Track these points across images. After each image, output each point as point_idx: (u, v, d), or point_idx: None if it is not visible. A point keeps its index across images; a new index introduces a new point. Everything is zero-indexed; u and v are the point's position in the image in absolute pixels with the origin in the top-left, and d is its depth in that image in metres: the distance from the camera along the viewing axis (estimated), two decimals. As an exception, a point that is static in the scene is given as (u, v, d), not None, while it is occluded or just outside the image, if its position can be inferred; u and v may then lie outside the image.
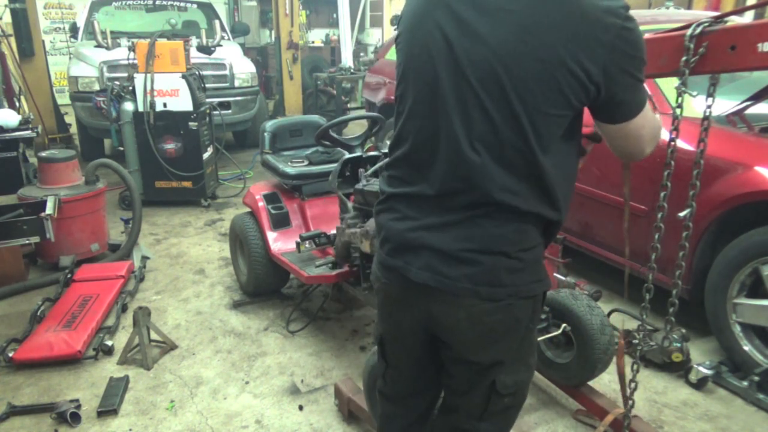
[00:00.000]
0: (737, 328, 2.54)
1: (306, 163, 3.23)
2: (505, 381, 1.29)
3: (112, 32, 5.89)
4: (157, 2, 7.43)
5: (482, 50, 1.12)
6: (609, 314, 2.96)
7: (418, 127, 1.23)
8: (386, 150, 2.64)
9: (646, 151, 1.27)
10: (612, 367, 2.62)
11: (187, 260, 4.02)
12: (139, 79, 4.78)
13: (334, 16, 10.88)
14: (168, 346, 2.88)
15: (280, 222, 3.17)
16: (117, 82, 4.99)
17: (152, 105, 4.78)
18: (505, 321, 1.22)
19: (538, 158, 1.13)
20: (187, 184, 5.03)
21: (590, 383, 2.34)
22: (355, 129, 7.03)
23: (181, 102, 4.84)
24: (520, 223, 1.17)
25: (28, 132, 3.96)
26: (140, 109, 4.82)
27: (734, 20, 1.73)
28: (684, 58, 1.40)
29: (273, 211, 3.18)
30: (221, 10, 9.46)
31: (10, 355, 2.69)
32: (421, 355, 1.40)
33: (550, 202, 1.18)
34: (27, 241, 3.20)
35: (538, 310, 1.28)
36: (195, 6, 7.65)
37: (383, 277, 1.33)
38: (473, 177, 1.15)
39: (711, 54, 1.38)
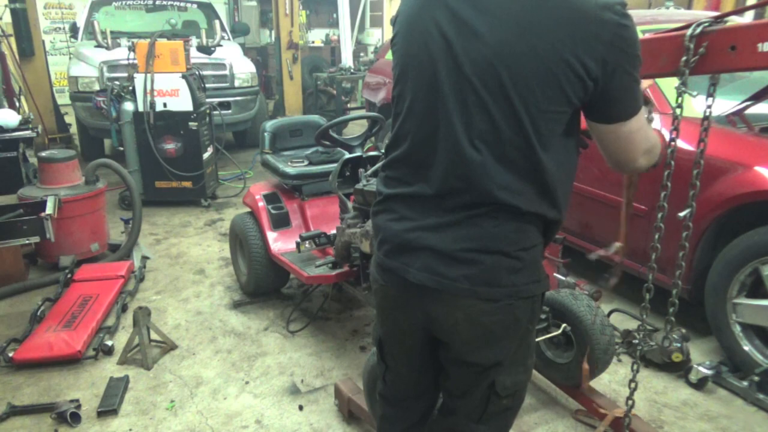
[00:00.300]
0: (737, 328, 2.54)
1: (306, 163, 3.23)
2: (504, 382, 1.28)
3: (112, 32, 5.89)
4: (157, 2, 7.43)
5: (482, 48, 1.12)
6: (609, 314, 2.96)
7: (417, 126, 1.22)
8: (386, 150, 2.64)
9: (638, 161, 1.24)
10: (612, 367, 2.63)
11: (187, 260, 4.02)
12: (139, 79, 4.78)
13: (334, 16, 10.88)
14: (168, 346, 2.88)
15: (280, 222, 3.17)
16: (117, 82, 4.99)
17: (152, 105, 4.78)
18: (504, 321, 1.22)
19: (539, 156, 1.13)
20: (187, 184, 5.03)
21: (590, 383, 2.34)
22: (355, 129, 7.03)
23: (181, 102, 4.84)
24: (520, 222, 1.17)
25: (28, 132, 3.95)
26: (140, 109, 4.82)
27: (734, 20, 1.73)
28: (684, 58, 1.40)
29: (273, 211, 3.18)
30: (221, 10, 9.45)
31: (10, 355, 2.69)
32: (421, 356, 1.39)
33: (550, 201, 1.18)
34: (27, 241, 3.19)
35: (537, 310, 1.28)
36: (195, 6, 7.65)
37: (381, 278, 1.32)
38: (473, 176, 1.15)
39: (711, 54, 1.37)
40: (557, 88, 1.10)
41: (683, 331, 2.64)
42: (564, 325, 2.26)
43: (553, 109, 1.12)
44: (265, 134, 3.47)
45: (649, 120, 1.58)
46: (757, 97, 2.71)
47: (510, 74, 1.10)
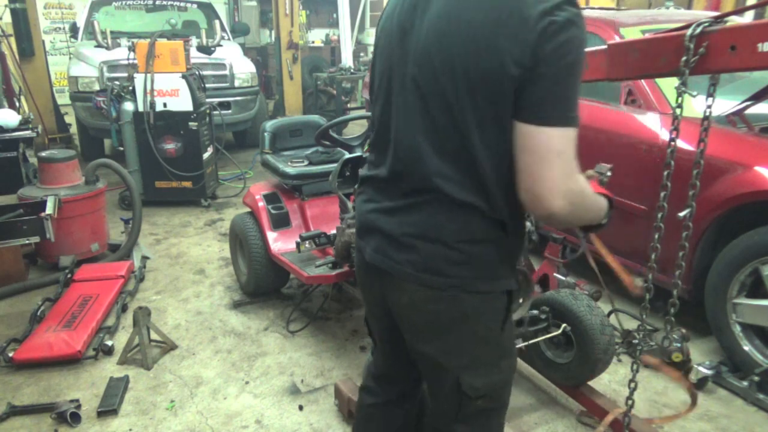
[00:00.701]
0: (737, 328, 2.54)
1: (306, 163, 3.23)
2: (472, 383, 1.26)
3: (112, 32, 5.89)
4: (157, 2, 7.43)
5: (424, 39, 1.16)
6: (609, 314, 2.96)
7: (379, 112, 1.29)
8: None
9: (554, 198, 1.05)
10: (612, 367, 2.63)
11: (187, 260, 4.02)
12: (139, 79, 4.78)
13: (334, 16, 10.86)
14: (168, 346, 2.88)
15: (280, 222, 3.17)
16: (117, 82, 4.99)
17: (152, 105, 4.78)
18: (449, 313, 1.21)
19: (471, 146, 1.11)
20: (187, 184, 5.03)
21: (590, 383, 2.34)
22: (355, 129, 7.03)
23: (181, 102, 4.84)
24: (458, 213, 1.16)
25: (28, 132, 3.96)
26: (140, 109, 4.82)
27: (734, 20, 1.73)
28: (684, 58, 1.40)
29: (273, 211, 3.18)
30: (221, 10, 9.45)
31: (10, 355, 2.69)
32: (390, 341, 1.45)
33: (485, 196, 1.14)
34: (27, 241, 3.20)
35: (501, 309, 1.24)
36: (195, 6, 7.65)
37: (356, 258, 1.40)
38: (412, 161, 1.19)
39: (711, 54, 1.37)
40: (483, 76, 1.08)
41: (683, 331, 2.64)
42: (564, 325, 2.25)
43: (480, 96, 1.09)
44: (265, 134, 3.47)
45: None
46: (757, 97, 2.71)
47: (442, 63, 1.12)
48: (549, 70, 1.03)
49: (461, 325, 1.22)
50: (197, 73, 5.11)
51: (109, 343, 2.84)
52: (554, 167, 1.05)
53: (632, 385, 1.70)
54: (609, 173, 1.62)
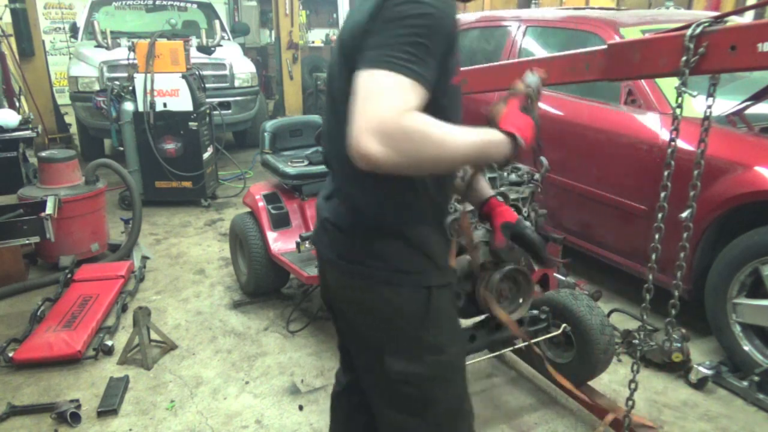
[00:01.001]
0: (737, 328, 2.54)
1: (306, 163, 3.23)
2: (391, 365, 1.24)
3: (112, 32, 5.90)
4: (157, 2, 7.43)
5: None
6: (609, 314, 2.96)
7: None
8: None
9: (361, 135, 0.96)
10: (612, 367, 2.63)
11: (187, 260, 4.02)
12: (139, 79, 4.78)
13: (334, 16, 10.87)
14: (168, 346, 2.88)
15: (280, 222, 3.17)
16: (117, 82, 4.99)
17: (152, 105, 4.78)
18: (365, 300, 1.24)
19: None
20: (187, 184, 5.03)
21: (590, 383, 2.34)
22: (355, 129, 7.02)
23: (181, 102, 4.84)
24: (362, 202, 1.22)
25: (28, 132, 3.96)
26: (140, 109, 4.82)
27: (734, 20, 1.73)
28: (684, 58, 1.40)
29: (273, 211, 3.18)
30: (221, 10, 9.45)
31: (10, 355, 2.69)
32: (339, 330, 1.50)
33: (379, 180, 1.08)
34: (27, 241, 3.19)
35: (419, 305, 1.21)
36: (195, 6, 7.65)
37: None
38: (329, 147, 1.30)
39: (711, 54, 1.37)
40: (348, 50, 1.14)
41: (683, 331, 2.64)
42: (564, 325, 2.25)
43: (351, 73, 1.09)
44: (265, 134, 3.47)
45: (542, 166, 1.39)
46: (757, 97, 2.71)
47: (337, 51, 1.20)
48: (375, 25, 1.07)
49: (376, 312, 1.24)
50: (197, 73, 5.11)
51: (109, 343, 2.84)
52: (366, 107, 0.98)
53: (632, 385, 1.70)
54: (539, 85, 1.28)
